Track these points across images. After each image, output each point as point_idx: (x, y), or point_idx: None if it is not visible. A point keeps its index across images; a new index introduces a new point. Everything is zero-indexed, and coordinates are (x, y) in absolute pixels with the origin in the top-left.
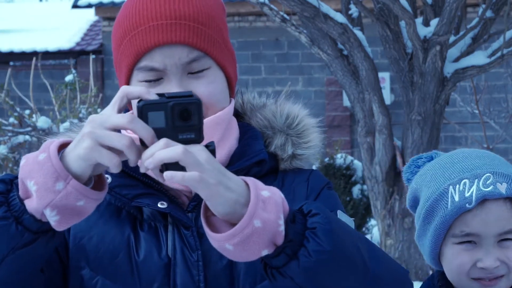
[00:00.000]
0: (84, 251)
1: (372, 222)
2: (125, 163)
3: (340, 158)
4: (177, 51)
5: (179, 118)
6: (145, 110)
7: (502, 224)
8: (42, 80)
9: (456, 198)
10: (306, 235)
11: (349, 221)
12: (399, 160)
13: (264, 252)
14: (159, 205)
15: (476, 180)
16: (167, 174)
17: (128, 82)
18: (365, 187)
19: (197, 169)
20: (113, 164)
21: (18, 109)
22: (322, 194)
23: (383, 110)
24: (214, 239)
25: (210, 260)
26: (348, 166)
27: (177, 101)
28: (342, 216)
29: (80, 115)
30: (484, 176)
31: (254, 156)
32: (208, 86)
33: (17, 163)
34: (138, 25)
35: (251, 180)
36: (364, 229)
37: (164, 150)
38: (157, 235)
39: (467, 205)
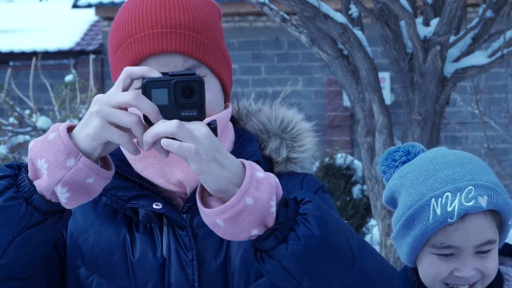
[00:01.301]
0: (80, 250)
1: (372, 222)
2: (120, 165)
3: (340, 158)
4: (172, 60)
5: (182, 95)
6: (148, 87)
7: (481, 236)
8: (42, 80)
9: (438, 212)
10: (297, 220)
11: None
12: None
13: (254, 232)
14: (154, 206)
15: (458, 193)
16: (164, 141)
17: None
18: (365, 187)
19: (192, 143)
20: (123, 141)
21: (18, 109)
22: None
23: (383, 110)
24: (206, 214)
25: (204, 259)
26: (348, 166)
27: (179, 79)
28: None
29: (80, 115)
30: (466, 190)
31: (248, 158)
32: None
33: None
34: (134, 33)
35: (248, 162)
36: (364, 229)
37: (159, 124)
38: (152, 236)
39: (448, 219)
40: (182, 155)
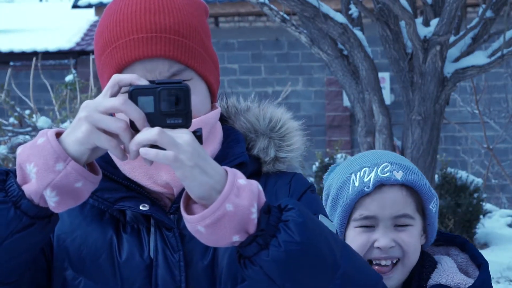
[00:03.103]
0: (67, 252)
1: None
2: (106, 167)
3: (340, 158)
4: (158, 65)
5: (167, 103)
6: (134, 94)
7: (397, 208)
8: (42, 80)
9: (356, 183)
10: (278, 227)
11: (330, 225)
12: None
13: (235, 238)
14: (141, 207)
15: (375, 168)
16: (142, 150)
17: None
18: None
19: (174, 149)
20: (111, 146)
21: (18, 109)
22: (304, 197)
23: (383, 110)
24: (188, 221)
25: (191, 260)
26: None
27: (165, 87)
28: (323, 220)
29: None
30: (383, 165)
31: (235, 159)
32: None
33: None
34: (119, 37)
35: (231, 170)
36: None
37: (141, 132)
38: (139, 237)
39: (365, 188)
40: (162, 163)
